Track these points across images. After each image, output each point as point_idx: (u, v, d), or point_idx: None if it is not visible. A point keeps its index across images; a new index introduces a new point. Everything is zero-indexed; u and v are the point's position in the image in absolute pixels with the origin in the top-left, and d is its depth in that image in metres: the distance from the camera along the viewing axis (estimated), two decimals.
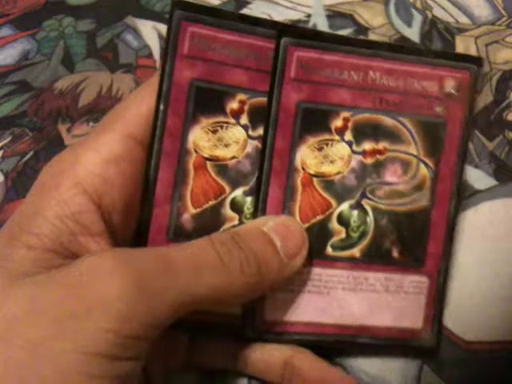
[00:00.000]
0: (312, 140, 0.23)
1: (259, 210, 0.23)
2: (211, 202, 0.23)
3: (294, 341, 0.24)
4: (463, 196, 0.28)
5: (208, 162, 0.23)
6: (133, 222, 0.22)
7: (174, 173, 0.22)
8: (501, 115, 0.32)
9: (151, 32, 0.39)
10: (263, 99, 0.23)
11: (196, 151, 0.23)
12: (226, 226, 0.23)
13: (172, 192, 0.23)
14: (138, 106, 0.22)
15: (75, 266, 0.18)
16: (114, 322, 0.17)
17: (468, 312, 0.27)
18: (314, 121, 0.23)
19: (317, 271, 0.23)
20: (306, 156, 0.23)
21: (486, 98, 0.33)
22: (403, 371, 0.25)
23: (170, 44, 0.22)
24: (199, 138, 0.23)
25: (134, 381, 0.18)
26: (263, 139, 0.22)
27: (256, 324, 0.23)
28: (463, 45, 0.33)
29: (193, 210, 0.23)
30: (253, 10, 0.33)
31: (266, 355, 0.24)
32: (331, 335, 0.24)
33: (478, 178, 0.29)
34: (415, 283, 0.24)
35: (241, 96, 0.23)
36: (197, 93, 0.22)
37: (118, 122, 0.22)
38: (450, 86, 0.23)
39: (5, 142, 0.33)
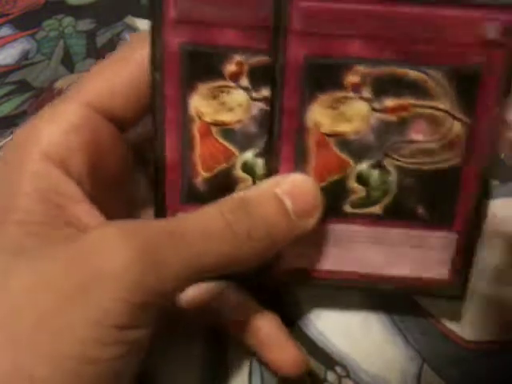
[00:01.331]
0: (324, 98, 0.21)
1: (272, 172, 0.22)
2: (222, 166, 0.23)
3: (312, 285, 0.24)
4: None
5: (213, 128, 0.22)
6: (107, 191, 0.22)
7: (180, 140, 0.22)
8: None
9: None
10: (262, 58, 0.21)
11: (199, 117, 0.22)
12: (240, 187, 0.23)
13: (180, 159, 0.22)
14: (97, 77, 0.22)
15: (80, 238, 0.18)
16: (123, 293, 0.17)
17: (468, 311, 0.27)
18: (325, 77, 0.21)
19: (335, 227, 0.23)
20: (319, 115, 0.21)
21: None
22: (403, 370, 0.25)
23: (154, 10, 0.21)
24: (200, 104, 0.22)
25: (145, 345, 0.19)
26: (270, 99, 0.21)
27: (273, 273, 0.23)
28: None
29: (204, 174, 0.23)
30: None
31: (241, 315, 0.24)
32: (351, 281, 0.23)
33: None
34: (442, 239, 0.23)
35: (237, 57, 0.21)
36: (189, 58, 0.21)
37: (75, 93, 0.22)
38: (492, 30, 0.20)
39: (5, 141, 0.33)
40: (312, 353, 0.26)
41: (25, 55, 0.38)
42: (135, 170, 0.24)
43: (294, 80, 0.21)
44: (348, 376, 0.25)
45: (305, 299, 0.27)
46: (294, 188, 0.21)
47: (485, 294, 0.27)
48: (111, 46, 0.38)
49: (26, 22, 0.40)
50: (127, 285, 0.17)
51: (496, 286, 0.27)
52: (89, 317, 0.16)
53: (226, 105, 0.22)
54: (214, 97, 0.22)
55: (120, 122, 0.22)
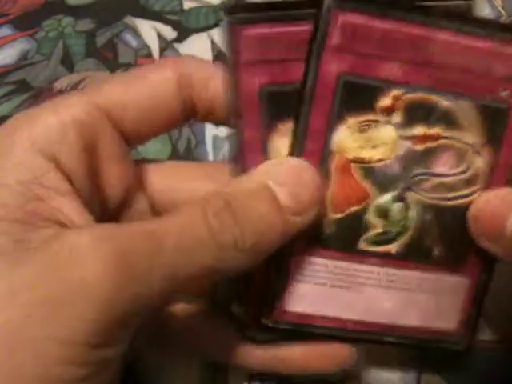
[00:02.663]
0: (353, 120, 0.20)
1: None
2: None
3: (313, 334, 0.22)
4: None
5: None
6: (101, 197, 0.21)
7: None
8: None
9: (150, 32, 0.39)
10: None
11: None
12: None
13: None
14: (116, 84, 0.21)
15: (52, 244, 0.16)
16: (94, 312, 0.15)
17: None
18: (357, 98, 0.20)
19: (344, 265, 0.21)
20: (345, 138, 0.20)
21: None
22: (403, 370, 0.25)
23: (229, 52, 0.20)
24: (280, 146, 0.21)
25: (118, 362, 0.17)
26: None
27: (273, 314, 0.21)
28: None
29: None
30: None
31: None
32: (356, 331, 0.22)
33: None
34: (454, 284, 0.22)
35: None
36: (271, 103, 0.20)
37: (88, 91, 0.21)
38: None
39: None
40: None
41: (24, 55, 0.38)
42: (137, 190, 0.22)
43: (324, 98, 0.20)
44: (348, 376, 0.25)
45: None
46: (292, 178, 0.19)
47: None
48: (111, 46, 0.38)
49: (25, 22, 0.40)
50: (98, 303, 0.15)
51: (496, 286, 0.27)
52: (55, 334, 0.15)
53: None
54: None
55: (127, 136, 0.21)
